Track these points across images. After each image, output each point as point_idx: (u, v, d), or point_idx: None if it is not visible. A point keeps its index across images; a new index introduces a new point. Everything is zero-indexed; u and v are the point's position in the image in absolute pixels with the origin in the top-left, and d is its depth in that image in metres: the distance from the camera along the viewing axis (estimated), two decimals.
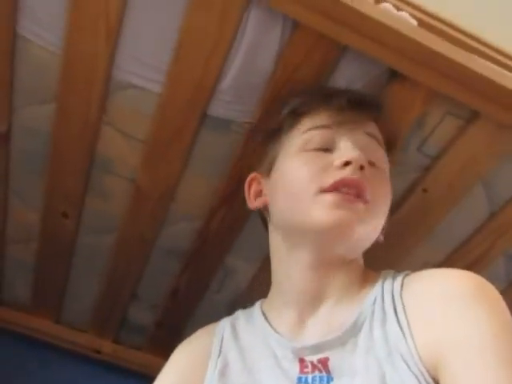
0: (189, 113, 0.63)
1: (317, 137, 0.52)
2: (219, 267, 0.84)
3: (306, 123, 0.54)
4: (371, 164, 0.52)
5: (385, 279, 0.51)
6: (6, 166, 0.73)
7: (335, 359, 0.47)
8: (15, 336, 0.99)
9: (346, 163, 0.49)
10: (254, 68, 0.58)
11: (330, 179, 0.49)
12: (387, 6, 0.60)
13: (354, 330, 0.48)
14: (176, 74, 0.60)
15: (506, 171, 0.64)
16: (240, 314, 0.61)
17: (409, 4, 0.73)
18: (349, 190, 0.48)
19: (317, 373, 0.47)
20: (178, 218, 0.77)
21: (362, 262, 0.56)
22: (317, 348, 0.49)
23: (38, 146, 0.70)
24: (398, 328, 0.44)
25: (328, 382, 0.46)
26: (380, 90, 0.58)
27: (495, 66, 0.58)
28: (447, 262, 0.76)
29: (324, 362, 0.47)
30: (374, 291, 0.50)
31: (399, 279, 0.50)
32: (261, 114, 0.62)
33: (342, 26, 0.51)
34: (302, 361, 0.49)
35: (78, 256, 0.87)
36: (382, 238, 0.57)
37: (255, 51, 0.56)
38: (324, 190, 0.49)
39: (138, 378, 1.02)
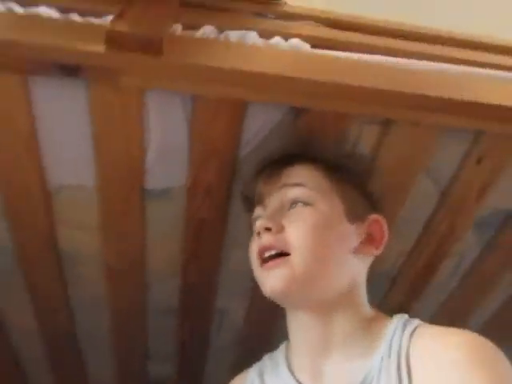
0: (128, 193, 0.66)
1: (253, 217, 0.61)
2: (212, 312, 0.87)
3: (253, 215, 0.61)
4: (294, 205, 0.56)
5: (394, 333, 0.52)
6: None
7: None
8: None
9: (258, 234, 0.56)
10: (170, 142, 0.60)
11: (256, 253, 0.56)
12: (276, 40, 0.61)
13: None
14: (103, 165, 0.62)
15: (442, 157, 0.66)
16: (267, 361, 0.64)
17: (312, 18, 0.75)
18: (269, 262, 0.54)
19: None
20: (155, 281, 0.80)
21: (363, 306, 0.58)
22: None
23: (7, 262, 0.73)
24: None
25: None
26: (291, 127, 0.60)
27: (396, 67, 0.59)
28: (418, 247, 0.78)
29: None
30: (382, 348, 0.51)
31: (408, 333, 0.51)
32: (193, 174, 0.64)
33: (232, 87, 0.53)
34: None
35: (82, 338, 0.91)
36: (376, 252, 0.59)
37: (166, 128, 0.58)
38: (259, 265, 0.56)
39: None
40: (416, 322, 0.53)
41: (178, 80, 0.52)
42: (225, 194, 0.68)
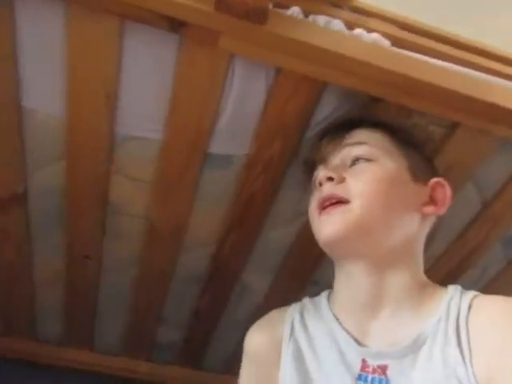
0: (190, 154, 0.68)
1: (314, 176, 0.62)
2: (236, 284, 0.89)
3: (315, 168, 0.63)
4: (356, 161, 0.58)
5: (451, 298, 0.53)
6: (27, 220, 0.78)
7: (393, 369, 0.51)
8: (51, 369, 1.06)
9: (320, 184, 0.57)
10: (245, 110, 0.62)
11: (317, 203, 0.58)
12: (359, 31, 0.64)
13: (415, 346, 0.51)
14: (174, 123, 0.64)
15: (493, 168, 0.69)
16: (307, 303, 0.64)
17: (379, 17, 0.77)
18: (328, 206, 0.55)
19: (376, 375, 0.52)
20: (191, 247, 0.82)
21: (418, 270, 0.58)
22: (377, 355, 0.53)
23: (54, 201, 0.75)
24: (459, 353, 0.47)
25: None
26: (364, 112, 0.63)
27: (472, 76, 0.62)
28: (448, 254, 0.81)
29: (383, 368, 0.52)
30: (439, 310, 0.52)
31: (467, 300, 0.52)
32: (257, 146, 0.67)
33: (318, 66, 0.56)
34: (364, 361, 0.54)
35: (103, 292, 0.93)
36: (440, 211, 0.59)
37: (245, 95, 0.60)
38: (319, 214, 0.57)
39: None
40: (473, 292, 0.53)
41: (272, 50, 0.54)
42: (281, 171, 0.70)
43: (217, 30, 0.53)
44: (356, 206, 0.54)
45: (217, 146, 0.67)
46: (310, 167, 0.65)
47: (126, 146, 0.68)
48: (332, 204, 0.55)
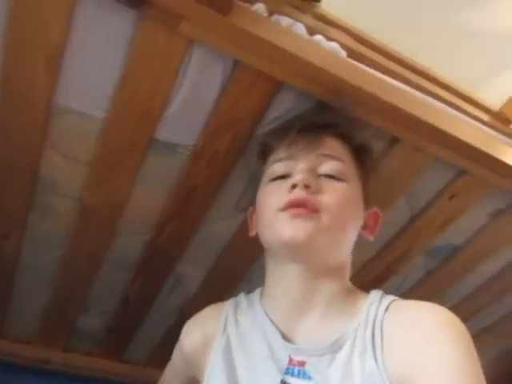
0: (135, 137, 0.65)
1: (277, 168, 0.60)
2: (170, 274, 0.87)
3: (271, 159, 0.62)
4: (328, 177, 0.58)
5: (371, 303, 0.55)
6: None
7: (310, 365, 0.54)
8: None
9: (293, 186, 0.56)
10: (198, 99, 0.61)
11: (284, 201, 0.56)
12: (319, 38, 0.65)
13: (334, 347, 0.53)
14: (121, 102, 0.61)
15: (423, 184, 0.74)
16: (242, 299, 0.66)
17: (339, 27, 0.80)
18: (298, 208, 0.55)
19: (301, 367, 0.54)
20: (126, 232, 0.79)
21: (346, 278, 0.61)
22: (298, 351, 0.55)
23: None
24: (374, 362, 0.50)
25: (310, 377, 0.53)
26: (314, 117, 0.64)
27: (416, 97, 0.66)
28: (375, 260, 0.86)
29: (302, 364, 0.54)
30: (359, 315, 0.55)
31: (385, 304, 0.54)
32: (205, 138, 0.66)
33: (277, 66, 0.56)
34: (290, 356, 0.56)
35: (22, 273, 0.86)
36: (371, 237, 0.63)
37: (199, 85, 0.59)
38: (281, 210, 0.56)
39: (91, 382, 1.04)
40: (392, 296, 0.57)
41: (232, 43, 0.54)
42: (226, 166, 0.70)
43: (179, 13, 0.51)
44: (325, 219, 0.55)
45: (164, 133, 0.65)
46: (268, 151, 0.63)
47: (64, 120, 0.64)
48: (304, 210, 0.54)
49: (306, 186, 0.55)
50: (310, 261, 0.57)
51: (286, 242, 0.55)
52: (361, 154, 0.63)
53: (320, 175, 0.58)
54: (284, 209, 0.55)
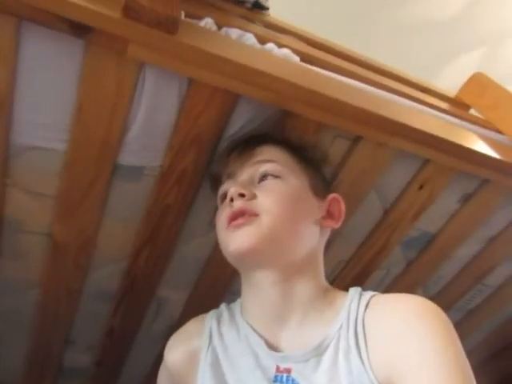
0: (98, 166, 0.64)
1: (221, 190, 0.63)
2: (151, 300, 0.86)
3: (221, 183, 0.64)
4: (263, 179, 0.59)
5: (351, 301, 0.55)
6: None
7: (296, 371, 0.54)
8: None
9: (231, 199, 0.58)
10: (157, 119, 0.60)
11: (227, 217, 0.58)
12: (270, 46, 0.66)
13: (317, 351, 0.53)
14: (80, 132, 0.60)
15: (392, 177, 0.75)
16: (224, 310, 0.65)
17: (290, 33, 0.81)
18: (238, 219, 0.56)
19: (289, 374, 0.54)
20: (102, 262, 0.78)
21: (321, 277, 0.61)
22: (284, 358, 0.55)
23: None
24: (360, 361, 0.49)
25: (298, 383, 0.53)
26: (275, 126, 0.64)
27: (373, 93, 0.67)
28: (356, 257, 0.87)
29: (288, 371, 0.54)
30: (340, 316, 0.54)
31: (364, 301, 0.54)
32: (170, 157, 0.65)
33: (230, 79, 0.56)
34: (277, 364, 0.55)
35: None
36: (336, 225, 0.63)
37: (156, 106, 0.59)
38: (226, 228, 0.58)
39: None
40: (370, 292, 0.56)
41: (184, 61, 0.54)
42: (195, 183, 0.69)
43: (125, 38, 0.51)
44: (265, 220, 0.55)
45: (127, 158, 0.64)
46: (216, 181, 0.65)
47: (24, 157, 0.62)
48: (242, 218, 0.56)
49: (241, 195, 0.57)
50: (270, 264, 0.57)
51: (234, 254, 0.56)
52: (299, 150, 0.64)
53: (259, 182, 0.59)
54: (228, 226, 0.57)
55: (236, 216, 0.56)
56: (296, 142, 0.64)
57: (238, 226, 0.55)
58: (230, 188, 0.58)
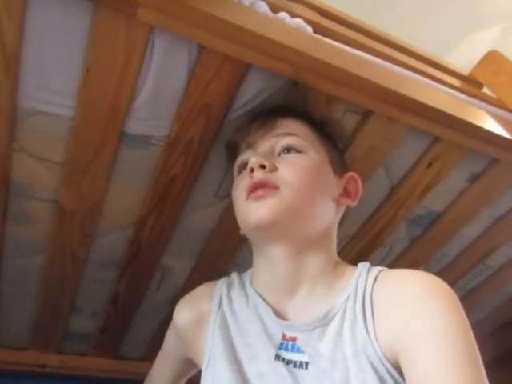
0: (106, 133, 0.64)
1: (240, 159, 0.63)
2: (156, 268, 0.87)
3: (238, 152, 0.64)
4: (286, 152, 0.59)
5: (360, 275, 0.56)
6: None
7: (302, 340, 0.55)
8: None
9: (251, 170, 0.57)
10: (166, 86, 0.60)
11: (246, 187, 0.58)
12: (283, 15, 0.64)
13: (324, 320, 0.54)
14: (87, 98, 0.59)
15: (400, 154, 0.74)
16: (235, 278, 0.67)
17: (303, 2, 0.79)
18: (258, 190, 0.56)
19: (294, 342, 0.55)
20: (107, 230, 0.78)
21: (333, 251, 0.61)
22: (290, 327, 0.56)
23: None
24: (365, 332, 0.50)
25: (303, 351, 0.54)
26: (286, 98, 0.63)
27: (385, 68, 0.65)
28: (360, 233, 0.87)
29: (294, 339, 0.56)
30: (348, 288, 0.55)
31: (373, 275, 0.55)
32: (178, 126, 0.65)
33: (242, 47, 0.55)
34: (283, 332, 0.57)
35: (6, 280, 0.85)
36: (352, 203, 0.63)
37: (166, 72, 0.58)
38: (246, 198, 0.58)
39: (88, 382, 1.04)
40: (379, 267, 0.57)
41: (195, 27, 0.52)
42: (202, 154, 0.69)
43: (135, 0, 0.49)
44: (286, 193, 0.55)
45: (134, 126, 0.64)
46: (234, 150, 0.65)
47: (31, 122, 0.62)
48: (263, 190, 0.55)
49: (262, 166, 0.57)
50: (286, 237, 0.57)
51: (254, 225, 0.56)
52: (319, 125, 0.63)
53: (279, 154, 0.59)
54: (248, 196, 0.56)
55: (256, 187, 0.55)
56: (317, 117, 0.64)
57: (258, 198, 0.55)
58: (251, 158, 0.58)
